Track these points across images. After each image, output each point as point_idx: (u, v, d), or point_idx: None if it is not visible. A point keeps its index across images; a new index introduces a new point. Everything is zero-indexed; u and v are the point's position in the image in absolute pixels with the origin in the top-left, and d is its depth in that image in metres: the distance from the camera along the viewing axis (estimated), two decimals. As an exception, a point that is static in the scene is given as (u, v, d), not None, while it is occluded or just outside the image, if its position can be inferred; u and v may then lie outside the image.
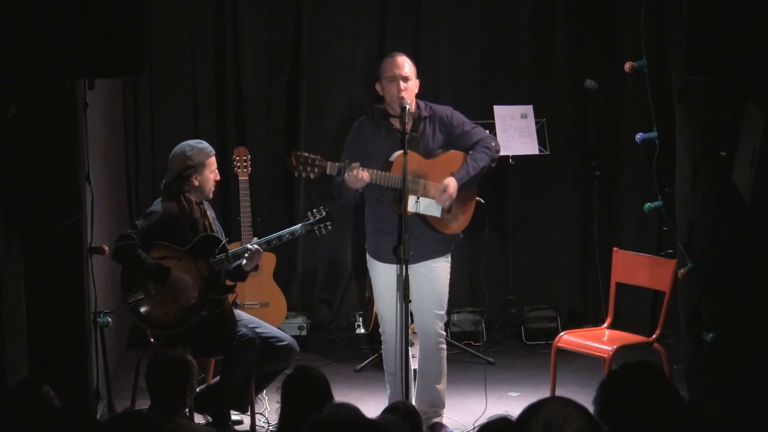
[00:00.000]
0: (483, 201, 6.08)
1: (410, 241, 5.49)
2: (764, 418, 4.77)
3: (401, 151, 5.52)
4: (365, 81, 7.79)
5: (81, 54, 4.44)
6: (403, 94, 5.62)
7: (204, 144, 5.85)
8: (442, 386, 5.88)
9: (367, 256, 5.93)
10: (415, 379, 5.91)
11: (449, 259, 5.85)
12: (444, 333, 5.90)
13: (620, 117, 7.79)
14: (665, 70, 5.65)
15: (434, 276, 5.79)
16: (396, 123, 5.67)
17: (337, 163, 5.53)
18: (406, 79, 5.65)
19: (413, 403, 5.68)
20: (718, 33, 4.44)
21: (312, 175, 5.52)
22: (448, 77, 7.84)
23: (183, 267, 5.70)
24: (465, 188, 5.72)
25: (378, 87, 5.75)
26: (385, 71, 5.70)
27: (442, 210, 5.70)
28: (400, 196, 5.54)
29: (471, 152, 5.74)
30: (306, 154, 5.49)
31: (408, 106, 5.57)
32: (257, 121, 7.75)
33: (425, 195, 5.66)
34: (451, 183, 5.65)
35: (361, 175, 5.48)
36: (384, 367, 5.91)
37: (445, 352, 5.87)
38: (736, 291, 5.07)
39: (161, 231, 5.70)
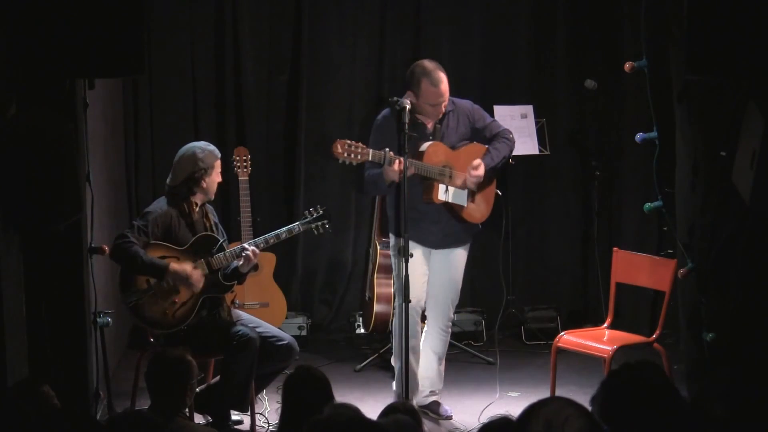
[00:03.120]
0: (500, 193, 6.33)
1: (436, 229, 5.94)
2: (764, 418, 4.77)
3: (431, 142, 5.88)
4: (366, 81, 7.80)
5: (81, 54, 4.44)
6: (437, 111, 5.91)
7: (212, 147, 5.89)
8: (442, 367, 6.18)
9: (392, 239, 6.08)
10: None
11: (468, 248, 6.14)
12: (453, 317, 6.21)
13: (620, 117, 7.79)
14: (665, 70, 5.65)
15: (453, 262, 6.07)
16: (421, 118, 5.92)
17: (378, 152, 5.74)
18: (444, 98, 5.91)
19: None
20: (717, 33, 4.45)
21: (354, 162, 5.72)
22: (449, 77, 7.80)
23: (182, 266, 5.71)
24: (487, 176, 5.98)
25: (411, 96, 5.86)
26: (428, 95, 5.86)
27: (468, 198, 5.97)
28: (429, 187, 5.86)
29: (492, 143, 6.03)
30: (350, 142, 5.70)
31: (408, 107, 5.74)
32: (257, 121, 7.75)
33: (452, 184, 5.92)
34: (481, 164, 5.94)
35: (400, 166, 5.65)
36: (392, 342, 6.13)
37: (449, 337, 6.19)
38: (736, 291, 5.07)
39: (159, 231, 5.70)
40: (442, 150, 5.90)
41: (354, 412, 3.36)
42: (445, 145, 5.93)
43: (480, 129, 6.06)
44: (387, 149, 5.72)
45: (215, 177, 5.85)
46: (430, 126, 5.95)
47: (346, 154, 5.67)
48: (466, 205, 5.98)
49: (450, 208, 5.97)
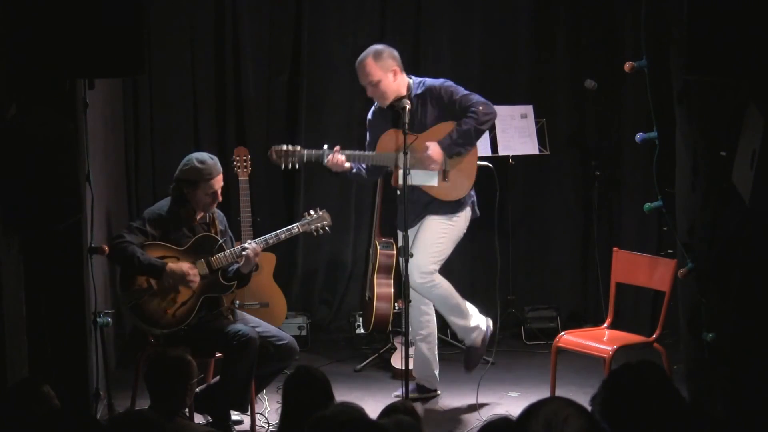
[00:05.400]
0: (492, 166, 6.45)
1: (411, 205, 5.91)
2: (764, 418, 4.77)
3: (389, 130, 6.01)
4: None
5: (81, 54, 4.44)
6: (375, 96, 6.07)
7: (207, 165, 5.72)
8: (462, 321, 6.22)
9: (400, 235, 6.17)
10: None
11: (446, 219, 6.11)
12: (427, 279, 6.05)
13: (620, 117, 7.79)
14: (665, 70, 5.65)
15: (424, 227, 6.11)
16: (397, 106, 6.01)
17: (314, 151, 5.95)
18: (372, 83, 6.03)
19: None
20: (717, 33, 4.45)
21: (296, 165, 5.95)
22: (448, 77, 7.82)
23: (181, 267, 5.71)
24: (455, 154, 6.02)
25: None
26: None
27: (438, 178, 6.02)
28: (393, 173, 5.99)
29: (460, 119, 6.05)
30: (284, 147, 5.92)
31: (407, 107, 5.83)
32: (257, 121, 7.75)
33: (417, 166, 5.97)
34: (432, 146, 5.97)
35: (337, 160, 5.92)
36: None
37: (439, 289, 6.08)
38: (736, 291, 5.07)
39: (158, 231, 5.70)
40: (392, 137, 6.01)
41: (357, 412, 3.36)
42: (415, 129, 5.97)
43: (449, 105, 6.06)
44: (326, 145, 5.93)
45: (202, 195, 5.70)
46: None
47: (282, 160, 5.89)
48: (437, 185, 6.04)
49: (423, 190, 6.05)
